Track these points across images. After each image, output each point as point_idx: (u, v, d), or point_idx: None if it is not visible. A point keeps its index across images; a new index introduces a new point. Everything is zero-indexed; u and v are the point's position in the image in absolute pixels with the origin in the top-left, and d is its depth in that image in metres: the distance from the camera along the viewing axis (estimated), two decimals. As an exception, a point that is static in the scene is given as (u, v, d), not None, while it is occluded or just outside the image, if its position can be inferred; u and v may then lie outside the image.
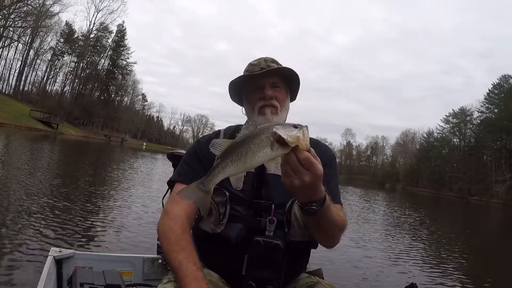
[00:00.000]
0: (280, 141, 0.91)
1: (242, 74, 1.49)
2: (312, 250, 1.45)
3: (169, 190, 1.47)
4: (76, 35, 67.95)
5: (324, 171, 1.02)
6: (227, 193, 1.30)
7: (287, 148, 0.92)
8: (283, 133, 0.91)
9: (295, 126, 0.93)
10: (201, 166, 1.36)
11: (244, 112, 1.52)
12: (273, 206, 1.29)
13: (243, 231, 1.27)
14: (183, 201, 1.28)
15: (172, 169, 1.76)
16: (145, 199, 7.69)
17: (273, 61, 1.48)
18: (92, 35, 69.49)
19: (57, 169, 10.61)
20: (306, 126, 0.94)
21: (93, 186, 8.33)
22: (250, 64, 1.48)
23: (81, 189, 7.64)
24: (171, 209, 1.28)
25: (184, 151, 1.74)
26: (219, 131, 1.53)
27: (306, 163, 0.94)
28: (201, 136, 1.67)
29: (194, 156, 1.43)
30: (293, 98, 1.56)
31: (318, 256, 1.57)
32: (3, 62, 59.73)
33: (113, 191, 8.38)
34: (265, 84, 1.42)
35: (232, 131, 1.48)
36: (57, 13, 60.53)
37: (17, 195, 5.66)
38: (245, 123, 1.50)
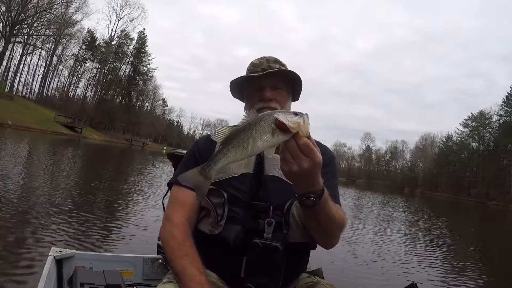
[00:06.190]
0: (281, 127, 0.91)
1: (246, 71, 1.48)
2: (312, 250, 1.43)
3: (169, 190, 1.46)
4: (98, 42, 69.84)
5: (323, 171, 1.03)
6: (225, 194, 1.28)
7: (288, 135, 0.93)
8: (284, 119, 0.91)
9: (296, 113, 0.94)
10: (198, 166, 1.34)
11: (245, 110, 1.49)
12: (271, 207, 1.27)
13: (241, 232, 1.25)
14: (183, 206, 1.30)
15: (173, 169, 1.76)
16: (146, 199, 7.74)
17: (276, 61, 1.46)
18: (113, 42, 71.27)
19: (70, 171, 10.78)
20: (307, 114, 0.95)
21: (96, 187, 8.43)
22: (252, 64, 1.47)
23: (84, 189, 7.72)
24: (172, 215, 1.28)
25: (184, 151, 1.74)
26: None
27: (306, 149, 0.95)
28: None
29: (192, 157, 1.42)
30: (295, 98, 1.53)
31: (318, 256, 1.54)
32: (26, 68, 62.00)
33: (115, 191, 8.43)
34: (265, 86, 1.40)
35: None
36: (79, 21, 62.48)
37: (21, 195, 5.75)
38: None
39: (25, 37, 55.39)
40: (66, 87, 68.38)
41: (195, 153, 1.42)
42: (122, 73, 74.77)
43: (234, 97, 1.57)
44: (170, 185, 1.43)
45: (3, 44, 50.89)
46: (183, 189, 1.30)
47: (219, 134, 0.96)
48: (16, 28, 51.49)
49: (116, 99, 74.94)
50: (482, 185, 65.55)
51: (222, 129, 0.97)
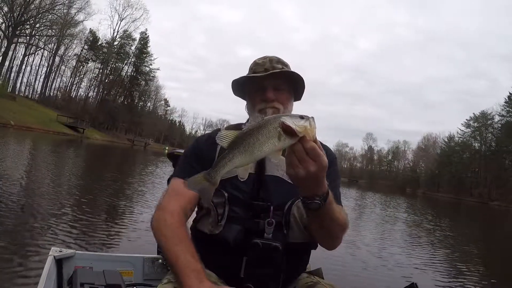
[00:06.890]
0: (288, 131, 0.90)
1: (249, 70, 1.47)
2: (312, 250, 1.42)
3: None
4: (100, 43, 70.06)
5: (326, 173, 1.02)
6: (225, 194, 1.27)
7: (294, 138, 0.92)
8: (291, 123, 0.90)
9: (302, 117, 0.92)
10: (200, 164, 1.33)
11: (246, 109, 1.49)
12: (271, 207, 1.26)
13: (242, 232, 1.24)
14: (179, 196, 1.28)
15: (173, 168, 1.76)
16: (147, 199, 7.75)
17: (279, 61, 1.44)
18: (115, 43, 71.51)
19: (71, 172, 10.80)
20: (313, 117, 0.94)
21: (97, 187, 8.45)
22: (255, 63, 1.45)
23: (84, 189, 7.75)
24: (166, 203, 1.26)
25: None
26: (219, 129, 1.51)
27: (312, 153, 0.94)
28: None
29: (193, 155, 1.41)
30: (297, 98, 1.52)
31: (318, 256, 1.54)
32: (29, 68, 62.26)
33: (116, 191, 8.45)
34: (268, 86, 1.38)
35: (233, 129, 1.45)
36: (82, 21, 62.77)
37: (22, 195, 5.77)
38: (247, 121, 1.47)
39: (28, 37, 55.69)
40: (68, 88, 68.77)
41: (197, 151, 1.41)
42: (124, 74, 75.08)
43: (236, 95, 1.55)
44: (169, 181, 1.42)
45: (5, 45, 51.18)
46: (181, 181, 1.29)
47: (225, 138, 0.95)
48: (18, 28, 51.73)
49: (118, 100, 75.14)
50: (484, 186, 65.72)
51: (228, 133, 0.95)
